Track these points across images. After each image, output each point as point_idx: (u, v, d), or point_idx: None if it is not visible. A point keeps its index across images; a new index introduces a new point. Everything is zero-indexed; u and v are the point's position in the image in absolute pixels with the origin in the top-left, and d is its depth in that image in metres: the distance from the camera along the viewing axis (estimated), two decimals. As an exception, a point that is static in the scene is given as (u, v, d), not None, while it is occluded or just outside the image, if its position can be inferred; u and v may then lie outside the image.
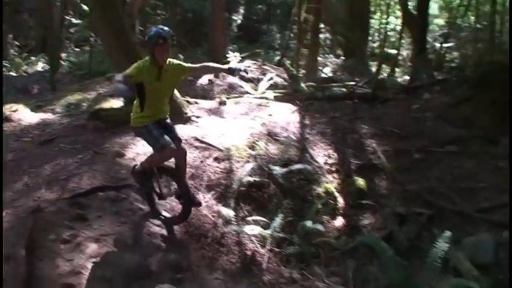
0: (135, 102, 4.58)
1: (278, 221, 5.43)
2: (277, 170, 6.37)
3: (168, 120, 4.80)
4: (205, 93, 11.05)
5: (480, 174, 6.48)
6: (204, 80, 11.74)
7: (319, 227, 5.57)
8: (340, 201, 6.27)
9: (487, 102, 7.54)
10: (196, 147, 6.58)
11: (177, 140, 4.73)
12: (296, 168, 6.54)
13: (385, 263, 5.00)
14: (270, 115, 8.36)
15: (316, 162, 7.01)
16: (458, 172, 6.60)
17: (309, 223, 5.53)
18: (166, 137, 4.55)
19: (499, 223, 5.65)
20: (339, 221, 5.91)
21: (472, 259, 5.26)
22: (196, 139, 6.79)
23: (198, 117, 7.87)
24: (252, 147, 6.79)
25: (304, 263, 5.21)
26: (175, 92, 7.73)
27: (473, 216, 5.83)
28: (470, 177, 6.47)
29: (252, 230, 5.26)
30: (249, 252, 5.10)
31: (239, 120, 8.02)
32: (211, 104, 9.12)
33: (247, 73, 4.76)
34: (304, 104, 9.54)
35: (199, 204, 5.09)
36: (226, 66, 4.82)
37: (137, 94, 4.49)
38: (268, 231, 5.30)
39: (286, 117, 8.42)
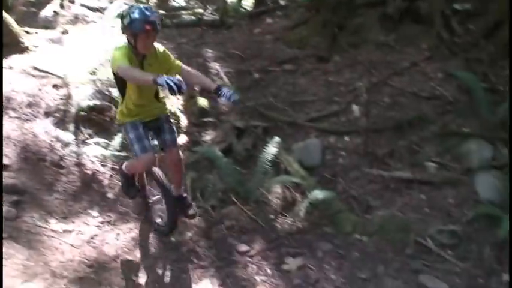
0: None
1: (118, 140, 5.52)
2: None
3: (165, 122, 4.12)
4: (49, 24, 10.39)
5: (312, 89, 7.07)
6: (48, 11, 11.04)
7: (160, 144, 5.74)
8: (184, 120, 6.49)
9: (318, 24, 8.11)
10: (34, 76, 6.40)
11: (169, 144, 4.08)
12: (138, 91, 6.57)
13: (221, 170, 5.43)
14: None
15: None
16: (292, 88, 7.13)
17: (147, 140, 5.68)
18: (146, 143, 3.88)
19: (326, 130, 6.35)
20: (182, 138, 6.12)
21: (301, 162, 5.88)
22: (34, 68, 6.59)
23: (36, 46, 7.51)
24: (93, 73, 6.67)
25: (147, 179, 5.40)
26: (11, 20, 7.27)
27: (304, 126, 6.43)
28: (303, 92, 7.04)
29: (92, 151, 5.31)
30: (89, 172, 5.19)
31: (81, 49, 7.76)
32: (53, 33, 8.68)
33: (237, 103, 3.88)
34: (152, 31, 9.46)
35: (193, 216, 4.52)
36: (215, 85, 3.84)
37: (116, 85, 3.93)
38: (108, 151, 5.39)
39: (133, 44, 8.31)
